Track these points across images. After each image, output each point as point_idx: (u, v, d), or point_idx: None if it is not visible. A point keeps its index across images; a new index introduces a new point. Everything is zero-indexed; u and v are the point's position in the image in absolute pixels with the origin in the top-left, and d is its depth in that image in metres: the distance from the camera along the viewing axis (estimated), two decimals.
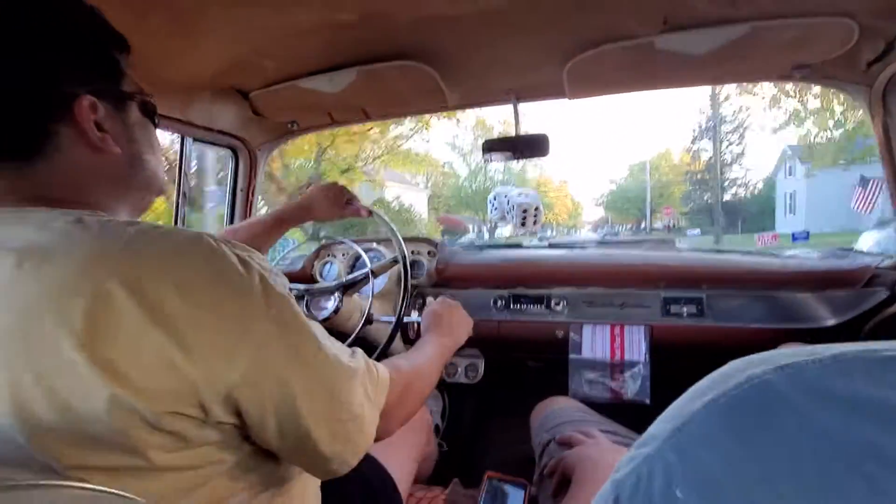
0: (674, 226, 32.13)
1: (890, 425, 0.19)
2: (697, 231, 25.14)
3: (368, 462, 0.86)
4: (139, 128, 0.57)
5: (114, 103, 0.53)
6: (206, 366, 0.42)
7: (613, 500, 0.27)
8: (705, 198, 30.86)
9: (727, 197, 30.04)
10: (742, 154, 29.79)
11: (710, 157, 30.09)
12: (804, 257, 1.40)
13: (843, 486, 0.19)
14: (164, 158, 0.65)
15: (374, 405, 0.58)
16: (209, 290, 0.44)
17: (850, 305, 1.17)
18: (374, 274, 1.28)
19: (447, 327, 0.96)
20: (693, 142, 31.72)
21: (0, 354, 0.39)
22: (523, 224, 1.48)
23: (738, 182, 31.04)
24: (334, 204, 1.15)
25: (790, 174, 23.90)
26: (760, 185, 30.95)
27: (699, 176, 31.35)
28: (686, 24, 0.95)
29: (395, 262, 1.26)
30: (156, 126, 0.61)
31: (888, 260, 1.19)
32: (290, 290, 0.53)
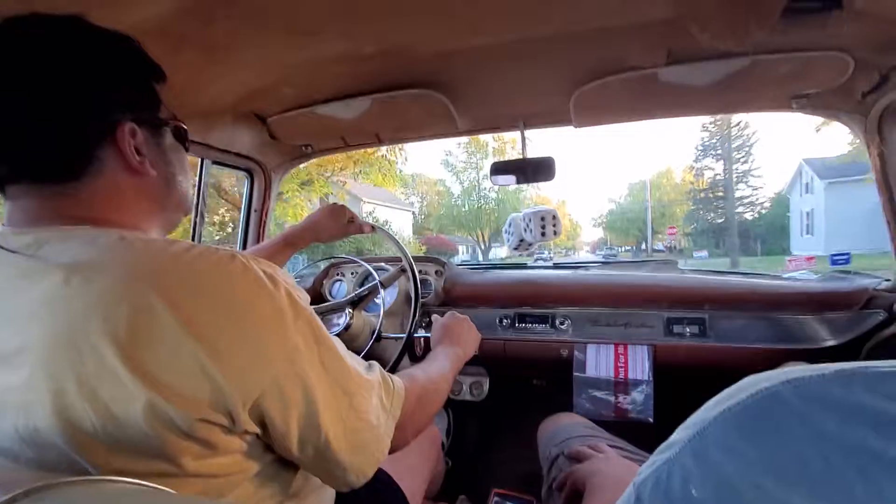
0: (675, 247, 30.92)
1: (884, 430, 0.22)
2: (705, 253, 23.80)
3: (380, 476, 0.88)
4: (173, 152, 0.61)
5: (151, 129, 0.57)
6: (236, 375, 0.45)
7: (635, 500, 0.30)
8: (710, 217, 30.00)
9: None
10: (749, 172, 28.77)
11: (715, 175, 29.33)
12: (804, 279, 1.42)
13: (842, 480, 0.22)
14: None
15: (391, 416, 0.60)
16: (242, 305, 0.47)
17: (849, 327, 1.19)
18: (383, 285, 1.32)
19: (457, 339, 0.99)
20: (697, 160, 30.85)
21: (45, 364, 0.42)
22: (543, 234, 1.50)
23: (746, 201, 29.66)
24: (337, 224, 1.18)
25: (807, 191, 22.77)
26: (768, 205, 29.64)
27: (703, 195, 30.22)
28: (688, 57, 1.00)
29: (402, 270, 1.30)
30: (187, 150, 0.65)
31: (885, 282, 1.22)
32: None
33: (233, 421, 0.46)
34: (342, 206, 1.20)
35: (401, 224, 24.45)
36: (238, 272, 0.48)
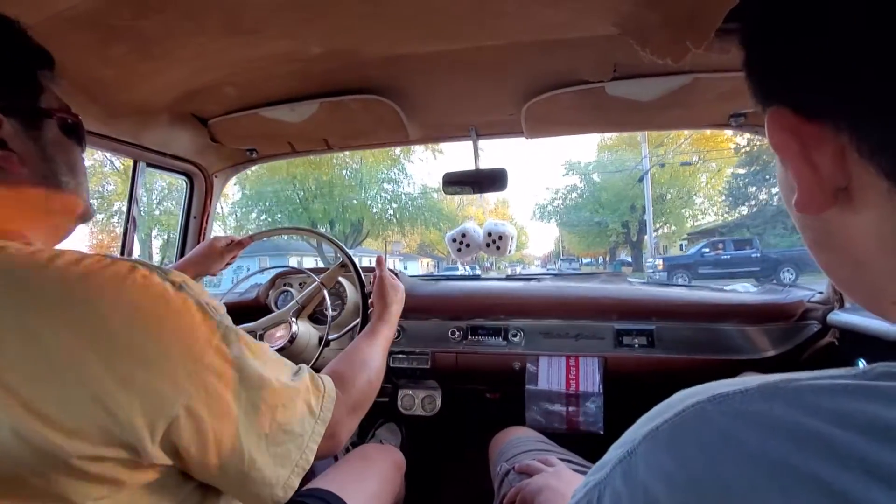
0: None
1: (802, 443, 0.21)
2: None
3: None
4: (56, 147, 0.53)
5: (25, 120, 0.50)
6: (139, 404, 0.40)
7: None
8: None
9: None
10: None
11: None
12: (744, 291, 1.48)
13: (763, 496, 0.21)
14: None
15: (320, 421, 0.56)
16: (145, 324, 0.42)
17: (787, 337, 1.24)
18: (324, 285, 1.28)
19: (386, 305, 0.97)
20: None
21: None
22: (509, 251, 1.53)
23: None
24: (211, 252, 1.15)
25: None
26: None
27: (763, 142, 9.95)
28: (634, 72, 1.02)
29: (341, 266, 1.26)
30: (83, 146, 0.58)
31: (819, 295, 1.28)
32: (243, 327, 0.52)
33: (137, 454, 0.41)
34: (217, 237, 1.18)
35: None
36: (138, 286, 0.43)
